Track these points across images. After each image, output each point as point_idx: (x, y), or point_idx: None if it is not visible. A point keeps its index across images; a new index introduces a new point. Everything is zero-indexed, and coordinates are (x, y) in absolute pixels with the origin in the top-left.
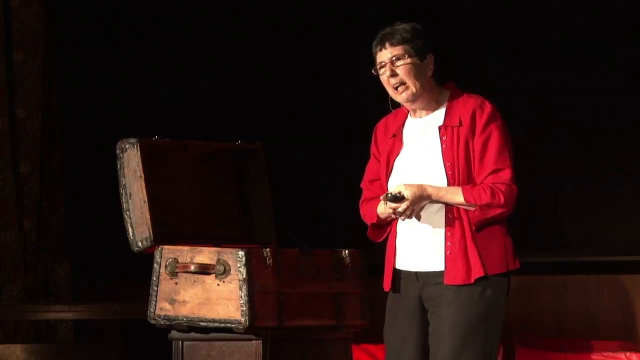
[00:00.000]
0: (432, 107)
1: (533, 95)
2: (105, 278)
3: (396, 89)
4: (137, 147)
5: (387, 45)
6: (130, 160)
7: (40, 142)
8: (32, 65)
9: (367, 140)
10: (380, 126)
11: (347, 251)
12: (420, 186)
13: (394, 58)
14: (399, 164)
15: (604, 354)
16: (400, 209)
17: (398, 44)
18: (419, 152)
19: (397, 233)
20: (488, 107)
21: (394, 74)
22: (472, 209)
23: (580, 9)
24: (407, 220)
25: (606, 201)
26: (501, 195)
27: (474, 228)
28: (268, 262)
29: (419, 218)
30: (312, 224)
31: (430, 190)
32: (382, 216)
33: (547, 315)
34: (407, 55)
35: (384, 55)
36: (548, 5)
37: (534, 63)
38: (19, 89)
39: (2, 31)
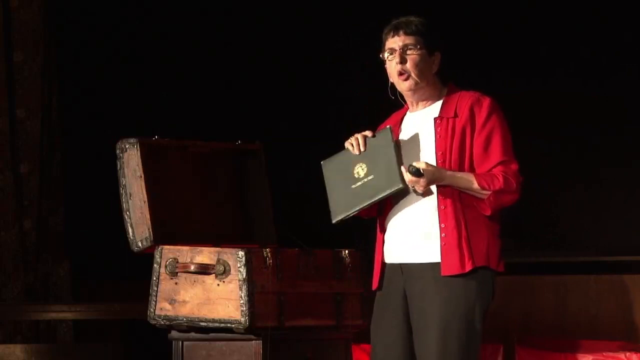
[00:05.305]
0: (430, 100)
1: (533, 95)
2: (105, 278)
3: (401, 74)
4: (137, 147)
5: (401, 33)
6: (130, 160)
7: (40, 142)
8: (32, 65)
9: None
10: (382, 124)
11: (347, 251)
12: (439, 169)
13: (405, 46)
14: None
15: (604, 354)
16: (415, 184)
17: (412, 34)
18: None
19: (386, 227)
20: (487, 100)
21: (402, 61)
22: (485, 195)
23: (580, 9)
24: (398, 213)
25: (606, 201)
26: (513, 181)
27: (489, 213)
28: (268, 262)
29: (409, 211)
30: (312, 224)
31: (445, 174)
32: None
33: (547, 315)
34: (418, 46)
35: (396, 42)
36: (548, 6)
37: (534, 63)
38: (19, 89)
39: (2, 31)
